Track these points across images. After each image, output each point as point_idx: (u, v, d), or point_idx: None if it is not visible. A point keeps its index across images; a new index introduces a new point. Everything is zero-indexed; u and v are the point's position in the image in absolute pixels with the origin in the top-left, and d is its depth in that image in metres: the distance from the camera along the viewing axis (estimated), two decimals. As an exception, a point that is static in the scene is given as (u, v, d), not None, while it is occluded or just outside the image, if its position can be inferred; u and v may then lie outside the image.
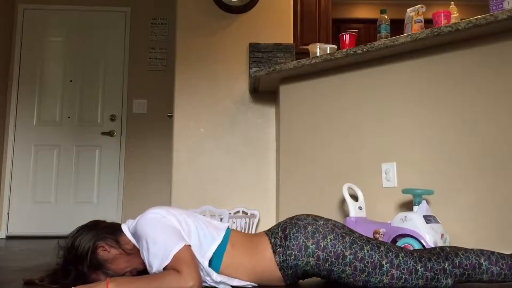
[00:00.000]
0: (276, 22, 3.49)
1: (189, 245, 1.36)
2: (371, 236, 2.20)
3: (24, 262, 2.16)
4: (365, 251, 1.40)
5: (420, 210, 2.09)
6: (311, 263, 1.40)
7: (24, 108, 4.33)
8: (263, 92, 3.36)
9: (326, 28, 4.45)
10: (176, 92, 3.41)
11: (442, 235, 2.04)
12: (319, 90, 2.79)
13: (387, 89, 2.50)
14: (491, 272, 1.41)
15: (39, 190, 4.23)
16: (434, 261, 1.39)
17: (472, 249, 1.45)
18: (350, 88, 2.65)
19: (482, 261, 1.41)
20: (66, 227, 4.10)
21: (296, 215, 1.53)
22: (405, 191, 2.16)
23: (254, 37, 3.43)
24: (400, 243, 2.11)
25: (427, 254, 1.43)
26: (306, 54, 3.02)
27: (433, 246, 1.98)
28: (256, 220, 3.18)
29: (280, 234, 1.45)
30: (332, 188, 2.62)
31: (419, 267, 1.38)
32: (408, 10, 2.54)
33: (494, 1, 2.13)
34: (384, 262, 1.38)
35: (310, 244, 1.40)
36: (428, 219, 2.05)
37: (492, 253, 1.45)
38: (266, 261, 1.44)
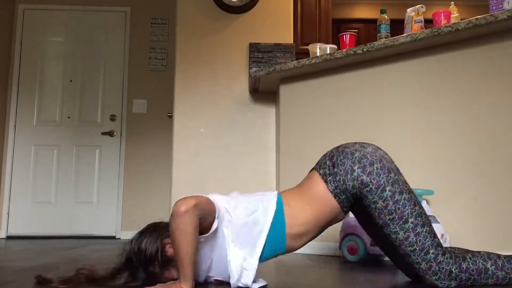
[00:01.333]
0: (276, 22, 3.49)
1: (212, 202, 1.38)
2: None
3: (24, 262, 2.16)
4: (403, 198, 1.40)
5: (420, 210, 2.09)
6: (356, 186, 1.42)
7: (24, 108, 4.33)
8: (263, 92, 3.36)
9: (326, 28, 4.45)
10: (176, 92, 3.41)
11: (442, 235, 2.04)
12: (319, 90, 2.79)
13: (387, 89, 2.50)
14: (497, 277, 1.41)
15: (39, 190, 4.23)
16: (446, 258, 1.39)
17: (479, 252, 1.45)
18: (350, 88, 2.65)
19: (488, 266, 1.41)
20: (66, 227, 4.15)
21: (342, 144, 1.54)
22: (405, 191, 2.16)
23: (254, 37, 3.44)
24: (400, 243, 2.11)
25: (444, 248, 1.43)
26: (306, 54, 3.03)
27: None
28: (256, 220, 3.18)
29: (328, 163, 1.48)
30: (332, 188, 2.62)
31: (431, 251, 1.39)
32: (408, 10, 2.54)
33: (494, 1, 2.13)
34: (410, 221, 1.39)
35: (356, 168, 1.42)
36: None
37: (499, 256, 1.44)
38: (322, 194, 1.46)
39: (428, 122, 2.32)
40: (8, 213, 4.18)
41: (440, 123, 2.28)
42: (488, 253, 1.45)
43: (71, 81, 4.40)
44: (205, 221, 1.36)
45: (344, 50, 2.52)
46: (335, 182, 1.44)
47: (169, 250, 1.44)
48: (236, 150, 3.35)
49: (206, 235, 1.38)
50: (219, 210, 1.41)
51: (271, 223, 1.44)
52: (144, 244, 1.45)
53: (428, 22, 2.42)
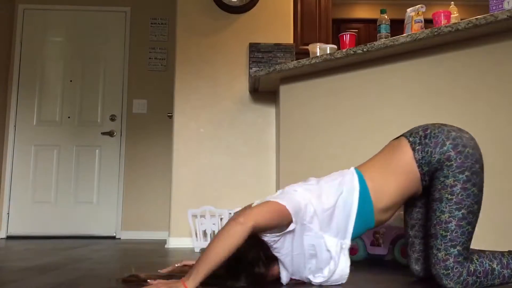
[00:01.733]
0: (276, 22, 3.49)
1: (287, 210, 1.36)
2: (372, 237, 2.21)
3: (24, 262, 2.16)
4: (472, 190, 1.39)
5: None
6: (441, 160, 1.41)
7: (24, 108, 4.33)
8: (263, 92, 3.36)
9: (326, 28, 4.45)
10: (176, 92, 3.41)
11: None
12: (319, 90, 2.79)
13: (387, 89, 2.50)
14: (503, 276, 1.41)
15: (39, 190, 4.23)
16: (464, 263, 1.39)
17: (484, 252, 1.45)
18: (350, 88, 2.65)
19: (495, 265, 1.40)
20: (66, 227, 4.15)
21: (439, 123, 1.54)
22: (405, 191, 2.16)
23: (254, 37, 3.44)
24: (400, 243, 2.12)
25: (468, 255, 1.42)
26: (306, 54, 3.02)
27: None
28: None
29: (421, 133, 1.47)
30: (332, 188, 2.62)
31: (457, 248, 1.38)
32: (408, 10, 2.54)
33: (494, 1, 2.13)
34: (462, 211, 1.38)
35: (448, 143, 1.42)
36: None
37: (503, 255, 1.44)
38: (406, 162, 1.46)
39: (428, 121, 2.32)
40: (8, 213, 4.18)
41: (439, 122, 2.28)
42: (492, 252, 1.45)
43: (71, 81, 4.40)
44: (275, 228, 1.37)
45: (344, 50, 2.52)
46: (422, 152, 1.43)
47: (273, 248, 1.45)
48: (236, 150, 3.35)
49: (280, 233, 1.38)
50: (299, 211, 1.39)
51: (358, 202, 1.45)
52: (243, 248, 1.34)
53: (428, 22, 2.42)
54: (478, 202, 1.42)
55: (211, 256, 1.27)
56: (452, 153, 1.40)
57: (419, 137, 1.46)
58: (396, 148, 1.50)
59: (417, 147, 1.45)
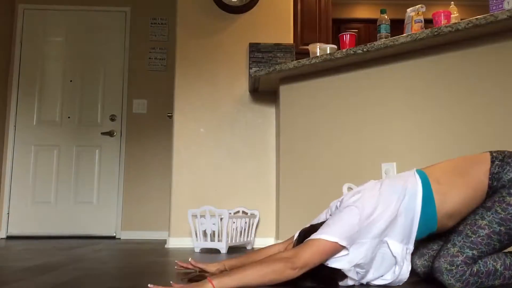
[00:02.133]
0: (276, 22, 3.49)
1: (339, 245, 1.35)
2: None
3: (24, 262, 2.16)
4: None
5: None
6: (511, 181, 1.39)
7: (24, 108, 4.33)
8: (263, 92, 3.36)
9: (326, 28, 4.45)
10: (176, 92, 3.41)
11: (442, 235, 2.04)
12: (319, 90, 2.79)
13: (387, 89, 2.50)
14: (504, 277, 1.40)
15: (39, 190, 4.23)
16: (472, 267, 1.37)
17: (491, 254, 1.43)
18: (350, 88, 2.65)
19: (498, 266, 1.39)
20: (66, 227, 4.15)
21: None
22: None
23: (254, 37, 3.44)
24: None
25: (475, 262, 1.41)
26: (306, 54, 3.02)
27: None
28: (256, 220, 3.18)
29: (507, 153, 1.46)
30: (332, 188, 2.62)
31: (473, 253, 1.37)
32: (408, 10, 2.54)
33: (494, 1, 2.13)
34: (502, 229, 1.37)
35: None
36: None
37: (506, 255, 1.43)
38: (480, 171, 1.44)
39: (428, 121, 2.32)
40: (8, 213, 4.18)
41: (440, 123, 2.28)
42: (497, 253, 1.44)
43: (71, 81, 4.40)
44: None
45: (344, 50, 2.52)
46: (499, 168, 1.41)
47: None
48: (236, 150, 3.35)
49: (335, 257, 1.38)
50: (354, 235, 1.37)
51: (421, 207, 1.43)
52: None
53: (428, 22, 2.42)
54: None
55: (249, 277, 1.28)
56: None
57: (503, 156, 1.45)
58: (475, 159, 1.49)
59: (497, 162, 1.43)
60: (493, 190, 1.43)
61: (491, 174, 1.42)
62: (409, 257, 1.47)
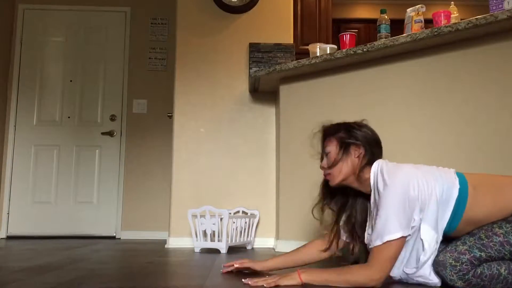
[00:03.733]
0: (276, 22, 3.49)
1: (404, 237, 1.36)
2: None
3: (24, 262, 2.16)
4: None
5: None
6: None
7: (24, 108, 4.33)
8: (263, 92, 3.36)
9: (326, 28, 4.45)
10: (176, 92, 3.41)
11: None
12: (319, 90, 2.79)
13: (387, 89, 2.50)
14: (506, 281, 1.38)
15: (39, 190, 4.23)
16: (478, 267, 1.37)
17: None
18: (350, 88, 2.65)
19: (502, 270, 1.37)
20: (66, 227, 4.15)
21: None
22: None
23: (254, 37, 3.44)
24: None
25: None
26: (306, 54, 3.02)
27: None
28: (256, 220, 3.18)
29: None
30: (332, 188, 2.62)
31: (482, 254, 1.36)
32: (408, 10, 2.54)
33: (494, 1, 2.13)
34: (510, 248, 1.37)
35: None
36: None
37: (511, 259, 1.42)
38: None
39: (428, 121, 2.32)
40: (8, 213, 4.18)
41: (440, 123, 2.28)
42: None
43: (71, 81, 4.40)
44: None
45: (344, 50, 2.52)
46: None
47: (353, 150, 1.54)
48: (236, 150, 3.35)
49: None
50: (409, 219, 1.38)
51: (456, 199, 1.43)
52: (364, 131, 1.60)
53: (428, 22, 2.41)
54: None
55: (335, 280, 1.36)
56: None
57: None
58: (509, 178, 1.48)
59: None
60: None
61: None
62: (435, 251, 1.43)
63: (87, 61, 4.43)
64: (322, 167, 1.61)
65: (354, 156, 1.54)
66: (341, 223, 1.66)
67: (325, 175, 1.62)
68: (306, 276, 1.39)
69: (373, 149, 1.56)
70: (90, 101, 4.38)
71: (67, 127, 4.33)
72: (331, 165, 1.55)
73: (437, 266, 1.39)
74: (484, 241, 1.37)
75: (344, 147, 1.54)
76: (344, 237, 1.68)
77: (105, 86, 4.41)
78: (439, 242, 1.44)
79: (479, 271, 1.36)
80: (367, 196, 1.60)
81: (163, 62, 4.41)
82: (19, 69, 4.36)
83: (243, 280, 1.45)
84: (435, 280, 1.43)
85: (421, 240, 1.42)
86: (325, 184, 1.65)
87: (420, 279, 1.44)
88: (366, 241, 1.52)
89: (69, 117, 4.35)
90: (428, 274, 1.43)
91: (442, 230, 1.44)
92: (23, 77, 4.36)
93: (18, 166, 4.25)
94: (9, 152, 4.25)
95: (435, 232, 1.42)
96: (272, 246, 3.15)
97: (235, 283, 1.55)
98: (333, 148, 1.57)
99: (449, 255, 1.37)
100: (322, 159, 1.64)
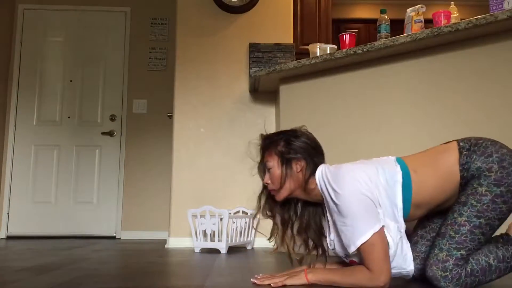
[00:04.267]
0: (276, 22, 3.49)
1: (381, 230, 1.36)
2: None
3: (24, 262, 2.16)
4: (500, 205, 1.37)
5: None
6: (481, 169, 1.39)
7: (24, 108, 4.33)
8: (263, 92, 3.36)
9: (326, 28, 4.45)
10: (176, 92, 3.41)
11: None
12: (319, 90, 2.79)
13: (387, 89, 2.50)
14: (499, 270, 1.40)
15: (39, 190, 4.23)
16: (464, 267, 1.37)
17: (479, 248, 1.43)
18: (350, 88, 2.65)
19: (491, 261, 1.39)
20: (66, 227, 4.15)
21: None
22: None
23: (254, 37, 3.43)
24: (400, 243, 2.11)
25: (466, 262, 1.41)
26: (306, 54, 3.02)
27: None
28: (256, 220, 3.18)
29: (472, 141, 1.46)
30: (332, 188, 2.62)
31: (461, 252, 1.37)
32: (408, 10, 2.54)
33: (494, 1, 2.14)
34: (481, 221, 1.37)
35: (495, 156, 1.39)
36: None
37: (497, 247, 1.43)
38: (451, 163, 1.44)
39: (428, 121, 2.32)
40: (8, 213, 4.18)
41: (440, 123, 2.28)
42: (488, 246, 1.43)
43: (71, 81, 4.40)
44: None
45: (344, 50, 2.52)
46: (467, 158, 1.42)
47: (295, 165, 1.51)
48: (236, 150, 3.35)
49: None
50: (375, 211, 1.39)
51: (402, 184, 1.44)
52: (303, 141, 1.55)
53: (428, 22, 2.42)
54: (501, 219, 1.40)
55: (340, 282, 1.37)
56: (495, 166, 1.38)
57: (469, 144, 1.45)
58: (444, 149, 1.49)
59: (464, 152, 1.43)
60: (465, 181, 1.43)
61: (461, 165, 1.42)
62: (402, 239, 1.44)
63: (87, 61, 4.43)
64: (266, 183, 1.60)
65: (297, 171, 1.51)
66: (295, 233, 1.63)
67: (270, 190, 1.59)
68: (312, 276, 1.40)
69: (314, 159, 1.54)
70: (90, 101, 4.38)
71: (67, 127, 4.33)
72: (280, 185, 1.53)
73: (431, 281, 1.39)
74: (456, 238, 1.38)
75: (286, 163, 1.52)
76: (297, 247, 1.65)
77: (105, 86, 4.41)
78: (402, 230, 1.45)
79: (469, 269, 1.37)
80: (314, 203, 1.60)
81: (163, 62, 4.41)
82: (19, 69, 4.36)
83: (251, 279, 1.47)
84: (410, 267, 1.45)
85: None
86: (269, 196, 1.64)
87: (394, 271, 1.43)
88: (330, 246, 1.52)
89: (69, 117, 4.35)
90: (402, 263, 1.44)
91: (401, 217, 1.44)
92: (23, 77, 4.36)
93: (18, 166, 4.25)
94: (9, 152, 4.25)
95: (395, 222, 1.43)
96: (272, 246, 3.14)
97: (235, 283, 1.56)
98: (275, 164, 1.55)
99: (435, 268, 1.37)
100: (264, 172, 1.63)
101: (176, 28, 3.47)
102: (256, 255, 2.66)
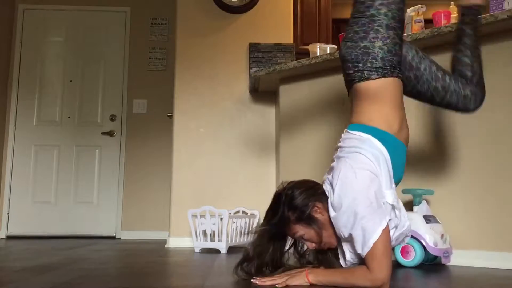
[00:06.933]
0: (276, 22, 3.49)
1: (386, 226, 1.37)
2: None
3: (24, 262, 2.16)
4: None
5: (420, 210, 2.09)
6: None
7: (24, 108, 4.33)
8: (263, 92, 3.36)
9: (326, 28, 4.45)
10: (176, 92, 3.41)
11: (442, 235, 2.04)
12: (319, 90, 2.79)
13: (387, 89, 2.49)
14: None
15: (39, 190, 4.23)
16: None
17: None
18: (350, 88, 2.65)
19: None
20: (66, 227, 4.15)
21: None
22: (405, 191, 2.16)
23: (254, 37, 3.44)
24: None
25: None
26: (306, 54, 3.02)
27: (432, 246, 1.99)
28: (256, 220, 3.18)
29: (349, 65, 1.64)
30: (332, 188, 2.62)
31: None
32: (408, 10, 2.54)
33: (494, 1, 2.14)
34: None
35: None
36: (428, 219, 2.05)
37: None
38: (374, 86, 1.56)
39: (428, 121, 2.32)
40: (8, 213, 4.18)
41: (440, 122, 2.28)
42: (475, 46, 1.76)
43: (71, 81, 4.40)
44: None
45: (344, 50, 2.51)
46: (363, 72, 1.57)
47: (315, 213, 1.49)
48: (236, 150, 3.35)
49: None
50: (379, 208, 1.41)
51: (383, 147, 1.50)
52: (298, 193, 1.51)
53: (428, 22, 2.42)
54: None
55: (341, 282, 1.38)
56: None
57: (350, 69, 1.61)
58: (357, 90, 1.60)
59: (357, 75, 1.58)
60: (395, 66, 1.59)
61: (376, 74, 1.55)
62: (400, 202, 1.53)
63: (87, 61, 4.43)
64: (314, 248, 1.56)
65: (322, 215, 1.49)
66: (313, 253, 1.64)
67: (320, 248, 1.57)
68: (313, 277, 1.42)
69: (316, 193, 1.52)
70: (90, 101, 4.38)
71: (67, 127, 4.33)
72: (322, 239, 1.51)
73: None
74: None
75: (310, 220, 1.49)
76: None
77: (105, 86, 4.41)
78: (394, 189, 1.53)
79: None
80: None
81: (163, 62, 4.41)
82: (19, 69, 4.36)
83: (252, 280, 1.47)
84: (407, 222, 1.53)
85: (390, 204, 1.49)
86: (319, 252, 1.62)
87: (400, 237, 1.52)
88: (348, 258, 1.49)
89: (69, 117, 4.35)
90: (401, 227, 1.50)
91: (393, 179, 1.52)
92: (23, 77, 4.36)
93: (18, 166, 4.25)
94: (9, 152, 4.25)
95: (389, 189, 1.50)
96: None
97: (235, 283, 1.56)
98: (302, 230, 1.51)
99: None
100: (297, 243, 1.63)
101: (176, 28, 3.47)
102: (256, 255, 2.66)
